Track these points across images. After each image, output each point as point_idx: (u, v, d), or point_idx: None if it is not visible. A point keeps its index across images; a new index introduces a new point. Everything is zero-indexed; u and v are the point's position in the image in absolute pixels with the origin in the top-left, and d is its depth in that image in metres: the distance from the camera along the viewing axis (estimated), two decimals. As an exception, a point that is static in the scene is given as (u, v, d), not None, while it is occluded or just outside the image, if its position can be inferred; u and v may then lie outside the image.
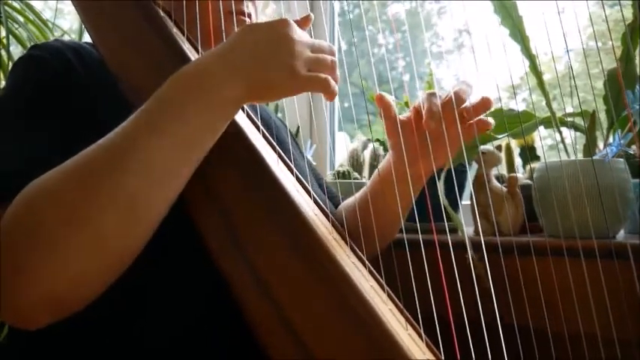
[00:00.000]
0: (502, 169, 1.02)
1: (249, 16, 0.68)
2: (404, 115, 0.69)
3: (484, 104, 0.63)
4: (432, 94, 0.63)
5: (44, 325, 0.45)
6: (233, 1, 0.65)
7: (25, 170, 0.46)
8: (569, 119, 0.90)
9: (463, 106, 0.63)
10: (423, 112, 0.62)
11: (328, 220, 0.57)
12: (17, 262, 0.42)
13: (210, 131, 0.49)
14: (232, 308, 0.47)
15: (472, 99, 0.64)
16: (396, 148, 0.68)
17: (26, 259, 0.42)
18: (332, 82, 0.52)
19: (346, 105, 1.58)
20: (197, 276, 0.52)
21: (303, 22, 0.61)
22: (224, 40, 0.52)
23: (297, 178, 0.60)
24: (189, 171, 0.48)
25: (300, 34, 0.52)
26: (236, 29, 0.64)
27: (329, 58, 0.53)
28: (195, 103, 0.47)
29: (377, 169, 0.73)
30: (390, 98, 0.65)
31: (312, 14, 0.62)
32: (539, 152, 1.05)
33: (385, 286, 0.54)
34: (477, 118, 0.64)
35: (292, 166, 0.60)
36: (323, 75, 0.51)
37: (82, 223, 0.42)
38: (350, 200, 0.79)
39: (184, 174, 0.48)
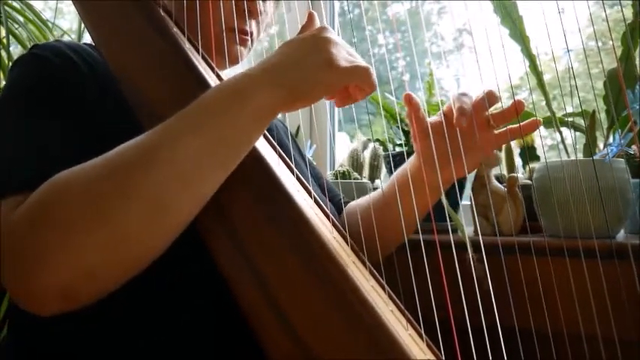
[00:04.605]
0: (502, 169, 1.02)
1: (251, 34, 0.68)
2: (433, 118, 0.70)
3: (516, 108, 0.65)
4: (463, 94, 0.64)
5: (52, 314, 0.45)
6: (232, 1, 0.65)
7: (35, 163, 0.47)
8: (569, 119, 0.90)
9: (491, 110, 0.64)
10: (454, 110, 0.62)
11: (329, 221, 0.57)
12: (38, 248, 0.42)
13: (245, 134, 0.48)
14: (231, 307, 0.47)
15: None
16: (424, 152, 0.68)
17: (47, 246, 0.42)
18: (372, 72, 0.51)
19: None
20: (198, 277, 0.52)
21: (308, 21, 0.61)
22: (223, 41, 0.52)
23: (298, 178, 0.60)
24: (222, 176, 0.48)
25: (338, 38, 0.52)
26: (237, 38, 0.65)
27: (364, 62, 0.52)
28: (231, 105, 0.47)
29: (395, 175, 0.72)
30: (392, 98, 0.65)
31: (314, 12, 0.61)
32: (539, 152, 1.05)
33: (386, 286, 0.54)
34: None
35: (293, 166, 0.60)
36: (363, 64, 0.51)
37: (106, 216, 0.42)
38: (362, 201, 0.79)
39: (215, 179, 0.47)
